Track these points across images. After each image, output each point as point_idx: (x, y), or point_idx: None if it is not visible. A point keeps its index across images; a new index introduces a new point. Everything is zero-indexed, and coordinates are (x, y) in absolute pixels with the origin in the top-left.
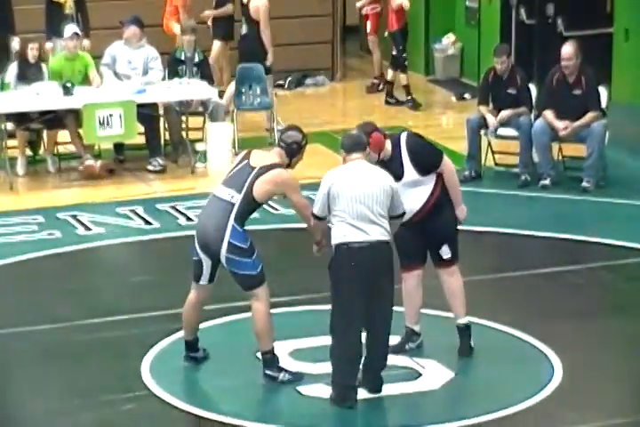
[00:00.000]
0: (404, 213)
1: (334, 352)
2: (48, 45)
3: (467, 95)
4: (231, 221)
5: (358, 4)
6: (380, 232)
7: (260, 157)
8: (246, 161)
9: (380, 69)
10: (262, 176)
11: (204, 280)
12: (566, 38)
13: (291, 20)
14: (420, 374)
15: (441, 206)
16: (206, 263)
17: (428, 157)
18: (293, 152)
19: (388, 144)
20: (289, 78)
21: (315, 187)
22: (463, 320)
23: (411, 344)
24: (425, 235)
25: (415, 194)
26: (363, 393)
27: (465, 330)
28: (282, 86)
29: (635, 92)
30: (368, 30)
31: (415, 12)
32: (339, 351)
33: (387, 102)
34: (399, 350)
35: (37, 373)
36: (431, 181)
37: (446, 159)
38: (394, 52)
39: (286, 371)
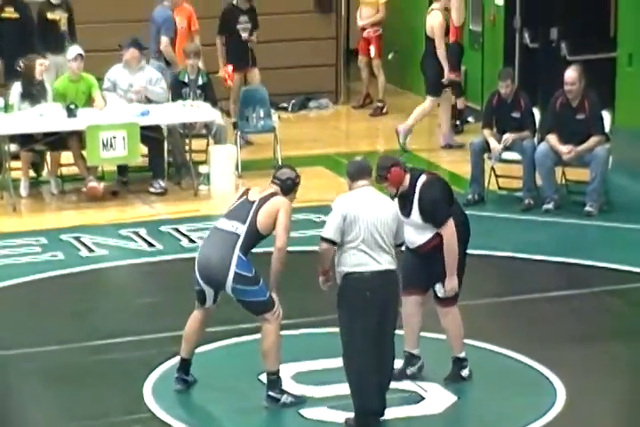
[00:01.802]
0: (402, 243)
1: (353, 379)
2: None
3: (470, 119)
4: (237, 252)
5: (360, 23)
6: (389, 261)
7: (257, 192)
8: (245, 197)
9: (384, 93)
10: (264, 206)
11: (208, 304)
12: (570, 62)
13: (294, 42)
14: (423, 398)
15: (441, 247)
16: (208, 292)
17: (433, 213)
18: (288, 188)
19: (407, 179)
20: (292, 101)
21: (317, 209)
22: (459, 354)
23: (411, 368)
24: (428, 267)
25: (421, 230)
26: None
27: (457, 362)
28: (285, 109)
29: (638, 117)
30: (372, 54)
31: (418, 35)
32: (358, 378)
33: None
34: (400, 376)
35: (40, 394)
36: None
37: (449, 224)
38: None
39: (289, 394)
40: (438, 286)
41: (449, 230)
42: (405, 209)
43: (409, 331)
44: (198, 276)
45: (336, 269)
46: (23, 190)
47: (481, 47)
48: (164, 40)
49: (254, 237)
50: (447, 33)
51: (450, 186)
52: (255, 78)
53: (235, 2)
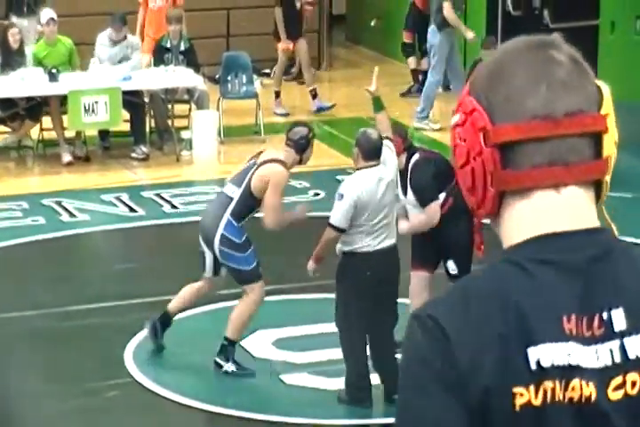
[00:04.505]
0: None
1: (349, 355)
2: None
3: (452, 86)
4: (227, 215)
5: None
6: (392, 235)
7: (266, 154)
8: (254, 159)
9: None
10: (259, 169)
11: (208, 273)
12: (553, 30)
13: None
14: None
15: (451, 221)
16: (208, 256)
17: (419, 195)
18: (303, 147)
19: (404, 157)
20: (275, 68)
21: (297, 176)
22: None
23: None
24: (436, 242)
25: (420, 209)
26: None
27: None
28: (267, 75)
29: (620, 85)
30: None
31: (399, 1)
32: (355, 354)
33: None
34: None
35: (20, 359)
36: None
37: (433, 206)
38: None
39: (236, 363)
40: (450, 263)
41: (430, 211)
42: (403, 188)
43: (414, 307)
44: (200, 236)
45: (336, 245)
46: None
47: (463, 14)
48: None
49: (247, 200)
50: None
51: (447, 164)
52: (302, 50)
53: None
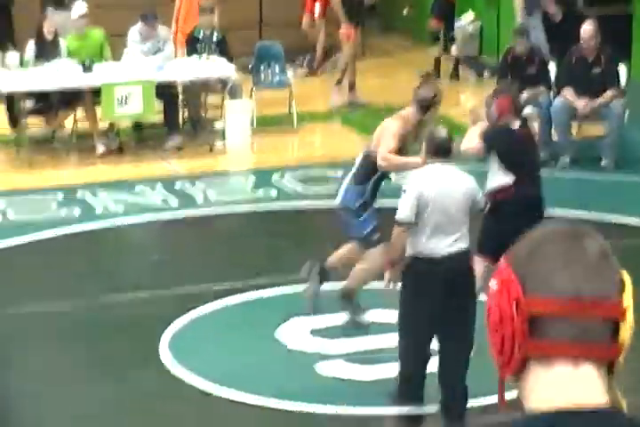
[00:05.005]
0: (483, 209)
1: (399, 355)
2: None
3: (486, 73)
4: (345, 181)
5: None
6: (460, 238)
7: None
8: None
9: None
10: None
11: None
12: (586, 17)
13: None
14: None
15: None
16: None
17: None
18: (423, 108)
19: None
20: (307, 57)
21: (338, 164)
22: None
23: None
24: (496, 227)
25: (491, 172)
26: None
27: None
28: (300, 65)
29: None
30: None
31: None
32: (402, 357)
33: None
34: None
35: (55, 349)
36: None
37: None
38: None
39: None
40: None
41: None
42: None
43: None
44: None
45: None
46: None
47: (497, 2)
48: None
49: (365, 163)
50: None
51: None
52: (357, 37)
53: None
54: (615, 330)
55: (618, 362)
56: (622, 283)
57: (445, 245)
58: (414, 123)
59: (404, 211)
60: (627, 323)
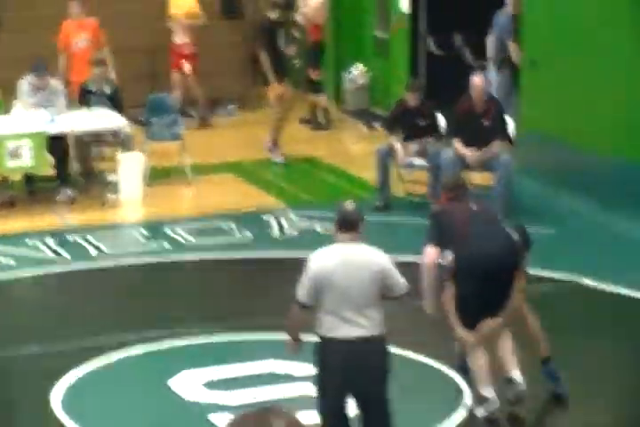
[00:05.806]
0: (402, 295)
1: (320, 412)
2: None
3: (376, 125)
4: None
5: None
6: (366, 325)
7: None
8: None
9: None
10: None
11: None
12: (475, 68)
13: (205, 48)
14: None
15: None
16: None
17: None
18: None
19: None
20: (198, 109)
21: (231, 216)
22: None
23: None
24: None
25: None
26: None
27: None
28: (191, 116)
29: (542, 122)
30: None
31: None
32: (323, 413)
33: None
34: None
35: None
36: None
37: (427, 251)
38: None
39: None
40: None
41: (424, 257)
42: None
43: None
44: None
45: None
46: None
47: (387, 54)
48: None
49: None
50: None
51: (451, 222)
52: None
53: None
54: None
55: None
56: None
57: (344, 330)
58: None
59: (302, 290)
60: None
